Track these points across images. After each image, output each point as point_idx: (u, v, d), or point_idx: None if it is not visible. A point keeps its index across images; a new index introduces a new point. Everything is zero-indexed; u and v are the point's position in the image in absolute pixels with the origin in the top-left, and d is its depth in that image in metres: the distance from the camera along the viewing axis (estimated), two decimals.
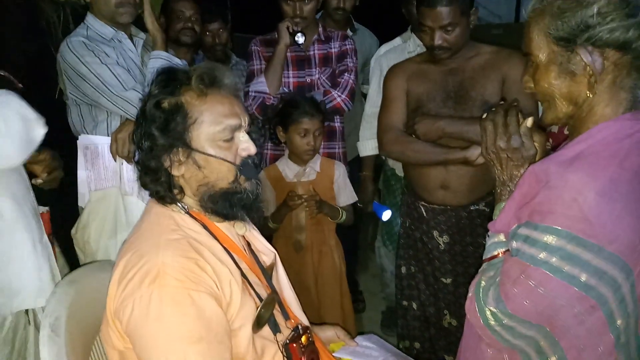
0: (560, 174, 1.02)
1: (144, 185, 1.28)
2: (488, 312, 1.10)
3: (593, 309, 1.02)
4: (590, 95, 1.08)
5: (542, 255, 1.02)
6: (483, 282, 1.15)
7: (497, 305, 1.08)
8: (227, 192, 1.24)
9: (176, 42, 2.62)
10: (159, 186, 1.24)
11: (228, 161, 1.23)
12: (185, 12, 2.58)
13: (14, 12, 2.22)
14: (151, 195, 1.28)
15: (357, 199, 2.43)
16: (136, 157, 1.28)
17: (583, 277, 1.00)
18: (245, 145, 1.26)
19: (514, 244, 1.09)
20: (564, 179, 1.01)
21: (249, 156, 1.27)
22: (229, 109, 1.24)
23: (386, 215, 2.75)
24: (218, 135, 1.22)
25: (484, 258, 1.23)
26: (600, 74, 1.06)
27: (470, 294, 1.18)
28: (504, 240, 1.19)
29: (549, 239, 1.01)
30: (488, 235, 1.24)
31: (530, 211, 1.07)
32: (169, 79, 1.24)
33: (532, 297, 1.04)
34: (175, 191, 1.25)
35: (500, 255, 1.19)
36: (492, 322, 1.10)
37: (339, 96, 2.51)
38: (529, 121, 1.20)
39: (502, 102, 1.25)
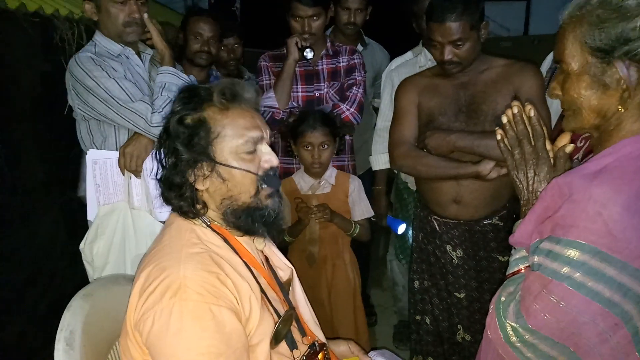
0: (584, 187, 0.99)
1: (166, 200, 1.29)
2: (509, 328, 1.06)
3: (617, 327, 0.98)
4: (622, 110, 1.05)
5: (565, 270, 0.98)
6: (503, 297, 1.12)
7: (518, 320, 1.05)
8: (249, 208, 1.25)
9: (191, 62, 2.64)
10: (183, 201, 1.25)
11: (251, 172, 1.24)
12: (204, 35, 2.60)
13: (28, 29, 2.25)
14: (174, 210, 1.29)
15: (372, 214, 2.41)
16: (158, 175, 1.29)
17: (607, 293, 0.96)
18: (268, 157, 1.28)
19: (536, 259, 1.05)
20: (588, 192, 0.98)
21: (271, 168, 1.28)
22: (251, 122, 1.26)
23: (401, 229, 2.74)
24: (241, 147, 1.24)
25: (507, 273, 1.21)
26: (634, 89, 1.03)
27: (490, 310, 1.15)
28: (527, 255, 1.15)
29: (572, 253, 0.98)
30: (512, 253, 1.22)
31: (552, 225, 1.03)
32: (191, 96, 1.26)
33: (553, 312, 1.00)
34: (199, 206, 1.26)
35: (522, 270, 1.16)
36: (513, 339, 1.06)
37: (348, 110, 2.52)
38: (569, 147, 1.16)
39: (514, 108, 1.19)
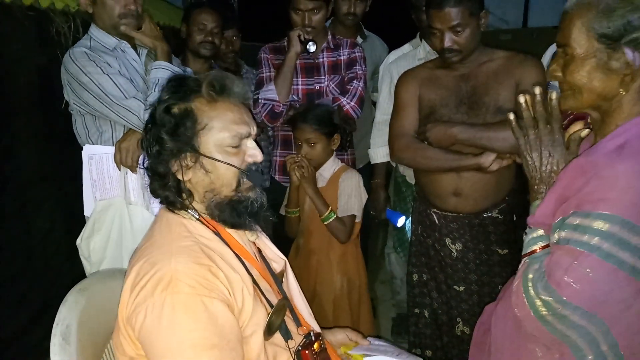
0: (609, 164, 1.06)
1: (153, 191, 1.28)
2: (539, 302, 1.11)
3: (639, 293, 1.05)
4: (623, 92, 1.12)
5: (595, 241, 1.04)
6: (530, 274, 1.16)
7: (550, 294, 1.09)
8: (232, 201, 1.25)
9: (195, 53, 2.63)
10: (167, 191, 1.25)
11: (234, 166, 1.23)
12: (208, 25, 2.60)
13: (24, 23, 2.24)
14: (161, 202, 1.28)
15: (354, 212, 2.27)
16: (145, 163, 1.29)
17: (631, 261, 1.03)
18: (253, 152, 1.27)
19: (563, 234, 1.11)
20: (614, 168, 1.05)
21: (254, 163, 1.27)
22: (239, 116, 1.25)
23: (401, 221, 2.73)
24: (227, 141, 1.23)
25: (523, 253, 1.25)
26: (635, 73, 1.10)
27: (514, 289, 1.19)
28: (542, 235, 1.21)
29: (602, 225, 1.04)
30: (525, 232, 1.27)
31: (578, 202, 1.09)
32: (179, 85, 1.25)
33: (584, 283, 1.05)
34: (184, 196, 1.25)
35: (538, 250, 1.21)
36: (544, 312, 1.11)
37: (348, 103, 2.50)
38: (585, 132, 1.23)
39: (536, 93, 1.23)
